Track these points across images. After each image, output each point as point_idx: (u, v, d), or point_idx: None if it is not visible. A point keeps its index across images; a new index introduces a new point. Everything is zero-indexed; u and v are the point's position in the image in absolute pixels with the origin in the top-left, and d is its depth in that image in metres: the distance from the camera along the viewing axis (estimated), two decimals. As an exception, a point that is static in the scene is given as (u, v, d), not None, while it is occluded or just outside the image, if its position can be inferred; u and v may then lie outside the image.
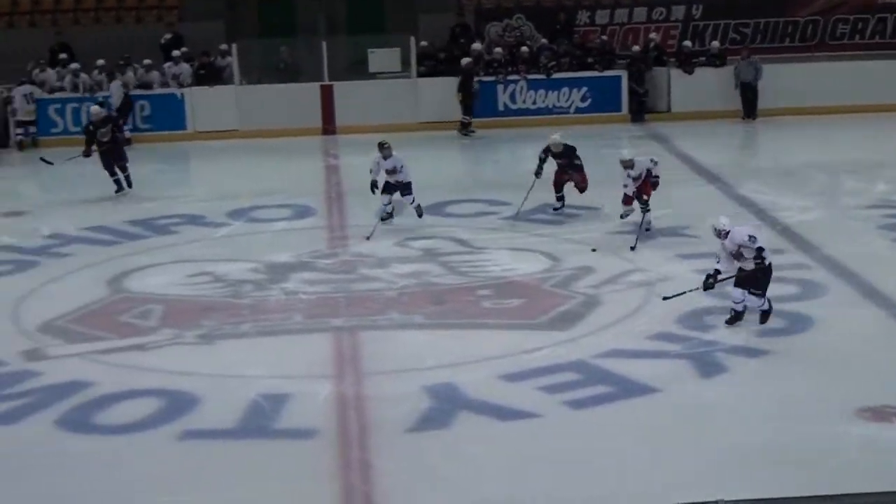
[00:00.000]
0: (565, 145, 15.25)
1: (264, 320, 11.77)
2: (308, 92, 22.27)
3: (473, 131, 21.92)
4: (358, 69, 22.88)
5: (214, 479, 8.46)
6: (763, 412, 9.21)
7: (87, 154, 17.20)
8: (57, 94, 21.87)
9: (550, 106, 22.76)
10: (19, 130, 21.40)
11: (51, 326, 11.56)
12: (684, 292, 11.12)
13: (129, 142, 21.20)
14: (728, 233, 10.62)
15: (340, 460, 8.70)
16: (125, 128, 20.95)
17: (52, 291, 12.76)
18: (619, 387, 9.77)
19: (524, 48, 23.09)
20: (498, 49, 23.12)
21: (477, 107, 22.06)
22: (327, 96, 22.26)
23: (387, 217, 14.98)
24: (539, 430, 9.08)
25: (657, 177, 14.27)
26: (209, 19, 24.24)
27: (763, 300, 10.80)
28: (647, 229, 14.06)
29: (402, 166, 14.89)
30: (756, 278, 10.67)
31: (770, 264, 10.68)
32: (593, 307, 11.81)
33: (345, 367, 10.61)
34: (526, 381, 9.93)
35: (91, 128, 17.24)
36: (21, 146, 21.31)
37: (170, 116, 22.04)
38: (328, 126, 22.26)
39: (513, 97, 22.82)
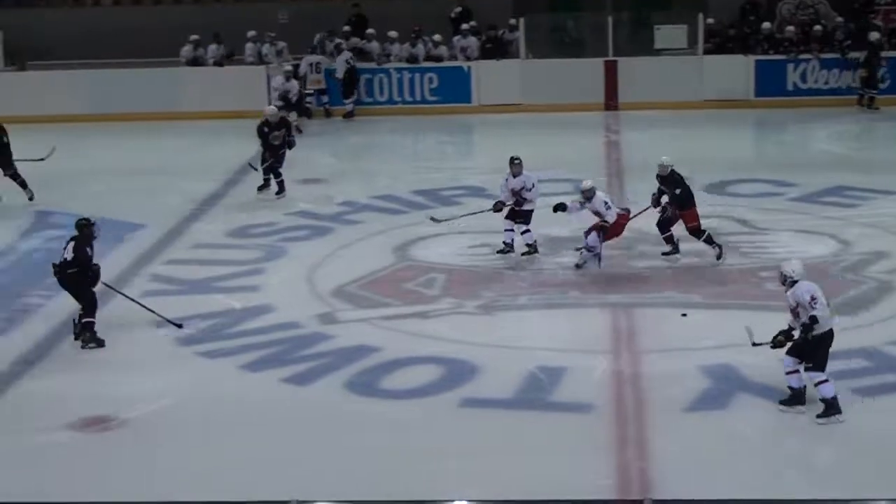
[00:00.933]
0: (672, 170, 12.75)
1: (541, 293, 11.93)
2: (592, 67, 22.24)
3: (877, 108, 21.26)
4: (643, 45, 22.68)
5: (492, 447, 8.67)
6: None
7: (265, 159, 15.91)
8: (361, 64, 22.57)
9: (844, 87, 21.90)
10: (309, 99, 22.30)
11: (342, 291, 12.09)
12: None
13: (351, 115, 22.03)
14: (795, 283, 8.93)
15: (616, 436, 8.76)
16: (349, 101, 21.79)
17: (344, 257, 13.32)
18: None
19: (817, 27, 22.29)
20: (790, 27, 22.42)
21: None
22: (611, 72, 22.18)
23: (506, 250, 12.98)
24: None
25: (606, 222, 12.32)
26: (498, -7, 24.53)
27: (821, 376, 8.82)
28: (578, 265, 12.45)
29: (532, 186, 13.00)
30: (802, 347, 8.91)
31: (817, 335, 8.75)
32: (886, 293, 11.38)
33: (621, 344, 10.64)
34: (809, 366, 9.68)
35: (265, 129, 15.88)
36: (310, 114, 22.19)
37: (456, 89, 22.47)
38: (610, 102, 22.18)
39: (803, 76, 22.09)
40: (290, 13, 23.97)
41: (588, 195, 12.32)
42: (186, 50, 22.46)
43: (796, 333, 8.85)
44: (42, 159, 15.55)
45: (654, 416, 9.05)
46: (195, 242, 14.03)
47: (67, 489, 7.85)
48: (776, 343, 8.91)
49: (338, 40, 22.24)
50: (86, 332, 10.70)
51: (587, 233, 12.37)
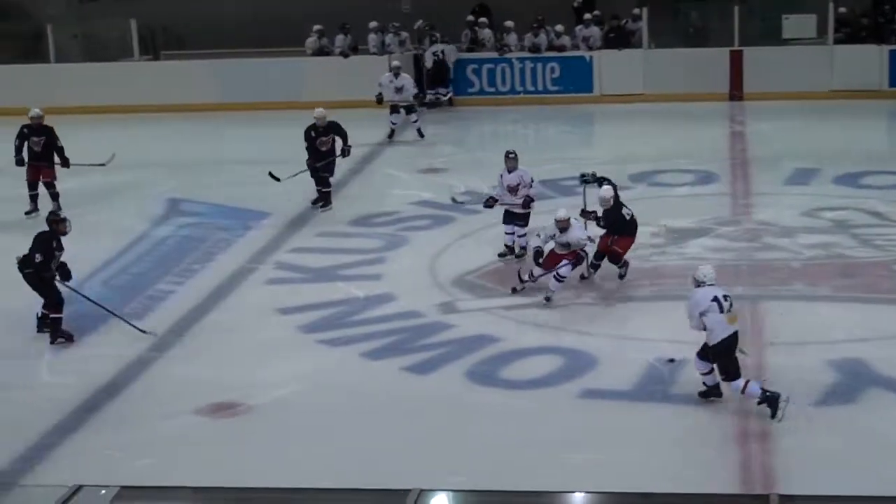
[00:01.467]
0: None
1: (662, 284, 11.82)
2: (717, 57, 21.93)
3: None
4: (771, 35, 22.28)
5: (613, 438, 8.65)
6: None
7: (310, 166, 14.88)
8: (473, 55, 22.68)
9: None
10: (430, 90, 22.40)
11: (462, 281, 12.13)
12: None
13: (450, 103, 22.08)
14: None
15: (738, 429, 8.65)
16: (432, 92, 21.79)
17: (465, 246, 13.37)
18: None
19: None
20: (926, 16, 21.83)
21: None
22: (736, 62, 21.85)
23: (506, 253, 12.67)
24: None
25: (584, 252, 11.43)
26: (623, -18, 24.37)
27: (738, 381, 8.75)
28: (547, 298, 11.21)
29: (531, 181, 12.52)
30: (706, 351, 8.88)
31: (715, 345, 8.74)
32: None
33: (746, 336, 10.45)
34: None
35: (312, 133, 14.86)
36: (433, 104, 22.29)
37: (578, 79, 22.39)
38: (735, 92, 21.85)
39: (933, 67, 21.48)
40: (414, 3, 24.13)
41: (563, 226, 11.28)
42: (311, 41, 22.76)
43: None
44: (103, 164, 15.41)
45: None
46: (318, 231, 14.21)
47: (195, 474, 8.01)
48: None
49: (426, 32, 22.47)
50: (54, 328, 10.63)
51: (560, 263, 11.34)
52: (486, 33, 22.82)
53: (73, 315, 10.99)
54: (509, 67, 22.51)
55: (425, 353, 10.29)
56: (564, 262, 11.31)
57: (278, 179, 14.89)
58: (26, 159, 14.60)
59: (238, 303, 11.89)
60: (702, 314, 8.77)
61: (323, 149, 14.74)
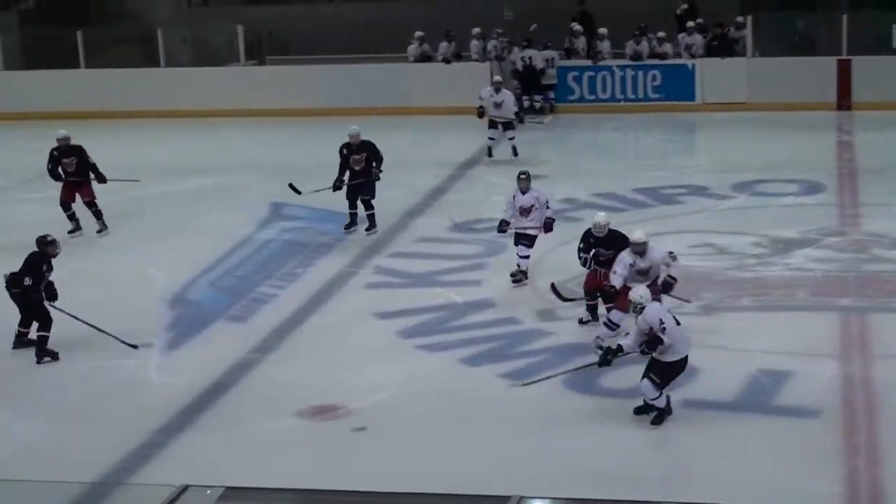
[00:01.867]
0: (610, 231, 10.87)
1: (766, 295, 11.68)
2: (824, 66, 21.55)
3: None
4: (881, 44, 21.86)
5: (714, 450, 8.56)
6: None
7: (338, 186, 14.23)
8: (572, 62, 22.63)
9: None
10: (538, 95, 22.37)
11: (562, 288, 12.08)
12: (552, 375, 9.59)
13: (543, 111, 21.88)
14: (643, 308, 8.80)
15: (846, 442, 8.52)
16: (539, 97, 21.57)
17: (564, 254, 13.30)
18: None
19: None
20: None
21: None
22: (844, 71, 21.45)
23: (519, 277, 12.23)
24: None
25: (673, 279, 10.36)
26: (728, -10, 24.14)
27: (657, 392, 8.80)
28: (600, 361, 9.32)
29: (545, 204, 12.08)
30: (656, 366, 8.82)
31: (669, 360, 8.76)
32: None
33: (852, 349, 10.32)
34: None
35: (345, 151, 14.27)
36: (539, 111, 22.24)
37: (679, 87, 22.17)
38: (843, 101, 21.46)
39: None
40: (516, 9, 24.13)
41: (640, 249, 10.13)
42: (412, 47, 22.90)
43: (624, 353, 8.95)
44: (137, 181, 15.46)
45: (887, 423, 8.74)
46: (419, 236, 14.29)
47: (296, 476, 8.09)
48: (604, 362, 9.11)
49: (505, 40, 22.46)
50: (40, 347, 10.53)
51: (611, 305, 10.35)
52: (581, 41, 22.73)
53: (176, 320, 11.22)
54: (610, 75, 22.40)
55: (523, 360, 10.29)
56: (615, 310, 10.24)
57: (299, 192, 14.61)
58: (63, 178, 14.46)
59: (338, 307, 12.01)
60: (661, 327, 8.70)
61: (357, 168, 14.15)
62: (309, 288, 12.48)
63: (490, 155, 18.10)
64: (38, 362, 10.55)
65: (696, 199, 15.48)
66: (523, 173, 12.25)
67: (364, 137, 14.35)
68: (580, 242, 10.91)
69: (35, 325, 10.65)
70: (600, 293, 10.57)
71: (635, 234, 10.21)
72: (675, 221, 14.36)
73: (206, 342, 11.05)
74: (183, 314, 11.78)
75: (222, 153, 19.52)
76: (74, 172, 14.44)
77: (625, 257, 10.10)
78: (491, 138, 18.11)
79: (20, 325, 10.78)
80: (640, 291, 8.99)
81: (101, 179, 14.52)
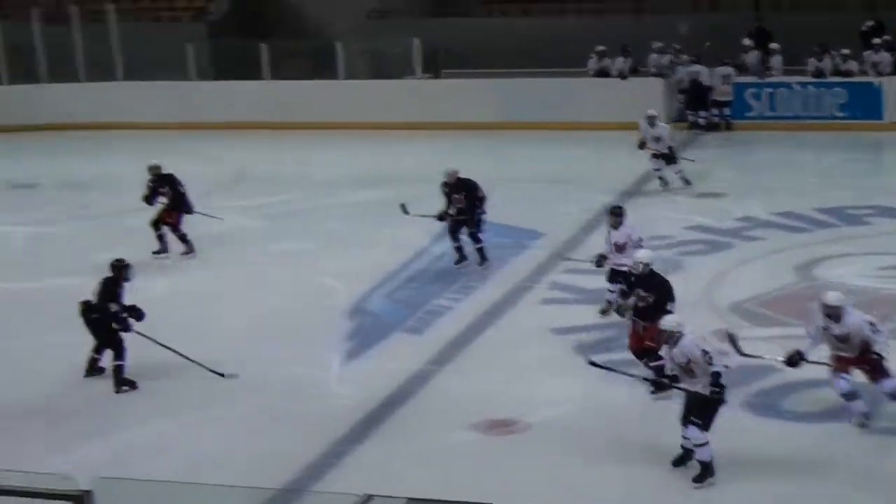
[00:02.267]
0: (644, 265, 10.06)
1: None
2: None
3: None
4: None
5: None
6: None
7: (442, 217, 13.76)
8: (753, 78, 22.21)
9: None
10: (714, 111, 22.04)
11: (740, 308, 11.90)
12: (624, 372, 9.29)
13: (728, 127, 21.68)
14: (679, 338, 8.33)
15: None
16: (706, 114, 21.44)
17: (743, 273, 13.10)
18: None
19: None
20: None
21: None
22: None
23: (608, 311, 11.66)
24: None
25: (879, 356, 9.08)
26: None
27: (702, 436, 8.25)
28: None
29: (637, 242, 11.37)
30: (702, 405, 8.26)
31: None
32: None
33: None
34: None
35: (445, 189, 13.76)
36: (715, 127, 21.91)
37: (865, 105, 21.54)
38: None
39: None
40: (691, 25, 23.83)
41: (834, 313, 9.04)
42: (592, 62, 22.83)
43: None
44: (222, 219, 15.24)
45: None
46: (591, 252, 14.16)
47: (474, 489, 8.07)
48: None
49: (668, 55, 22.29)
50: (118, 376, 10.34)
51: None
52: (751, 55, 22.27)
53: (355, 331, 11.45)
54: (791, 92, 21.92)
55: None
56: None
57: (407, 213, 14.20)
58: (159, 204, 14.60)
59: (513, 321, 12.03)
60: (690, 361, 8.35)
61: (458, 206, 13.61)
62: (484, 301, 12.55)
63: (665, 184, 17.54)
64: (117, 392, 10.34)
65: (884, 221, 14.99)
66: (617, 208, 11.81)
67: (462, 175, 13.76)
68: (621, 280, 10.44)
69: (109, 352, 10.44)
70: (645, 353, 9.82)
71: (828, 297, 9.12)
72: (862, 242, 13.99)
73: (384, 353, 11.21)
74: (361, 325, 11.98)
75: (398, 165, 19.76)
76: (169, 199, 14.49)
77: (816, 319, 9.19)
78: (657, 169, 17.60)
79: (94, 351, 10.62)
80: (675, 318, 8.60)
81: (189, 210, 14.62)
